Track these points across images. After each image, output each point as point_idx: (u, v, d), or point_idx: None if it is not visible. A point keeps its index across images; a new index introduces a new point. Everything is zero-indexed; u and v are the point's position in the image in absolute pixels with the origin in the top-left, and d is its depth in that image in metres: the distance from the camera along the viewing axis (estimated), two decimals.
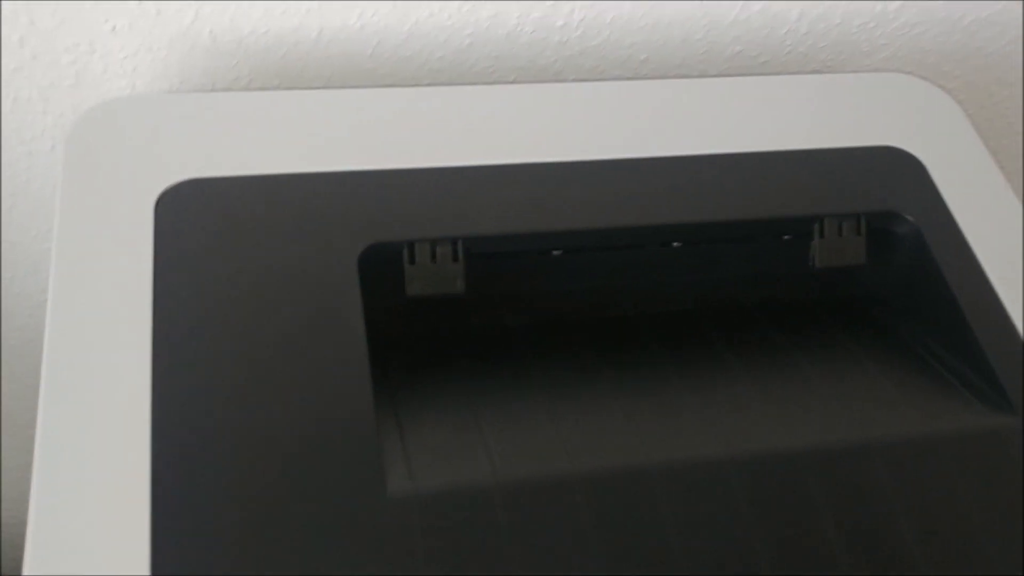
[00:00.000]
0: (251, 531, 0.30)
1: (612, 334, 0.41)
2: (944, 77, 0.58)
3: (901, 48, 0.56)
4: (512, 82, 0.51)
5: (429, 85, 0.48)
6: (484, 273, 0.39)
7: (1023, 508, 0.34)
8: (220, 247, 0.36)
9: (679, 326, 0.42)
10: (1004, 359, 0.38)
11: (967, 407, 0.38)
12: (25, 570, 0.28)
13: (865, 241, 0.42)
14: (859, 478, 0.34)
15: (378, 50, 0.48)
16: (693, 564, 0.31)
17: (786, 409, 0.37)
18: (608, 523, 0.31)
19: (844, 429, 0.35)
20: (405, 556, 0.30)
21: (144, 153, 0.38)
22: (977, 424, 0.36)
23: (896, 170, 0.44)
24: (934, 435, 0.36)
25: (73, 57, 0.44)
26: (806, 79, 0.47)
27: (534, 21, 0.48)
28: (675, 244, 0.42)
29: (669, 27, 0.51)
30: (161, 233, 0.36)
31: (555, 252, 0.41)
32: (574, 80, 0.52)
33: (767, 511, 0.32)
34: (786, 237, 0.43)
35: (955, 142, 0.46)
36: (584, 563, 0.31)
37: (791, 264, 0.43)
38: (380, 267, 0.37)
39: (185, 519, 0.29)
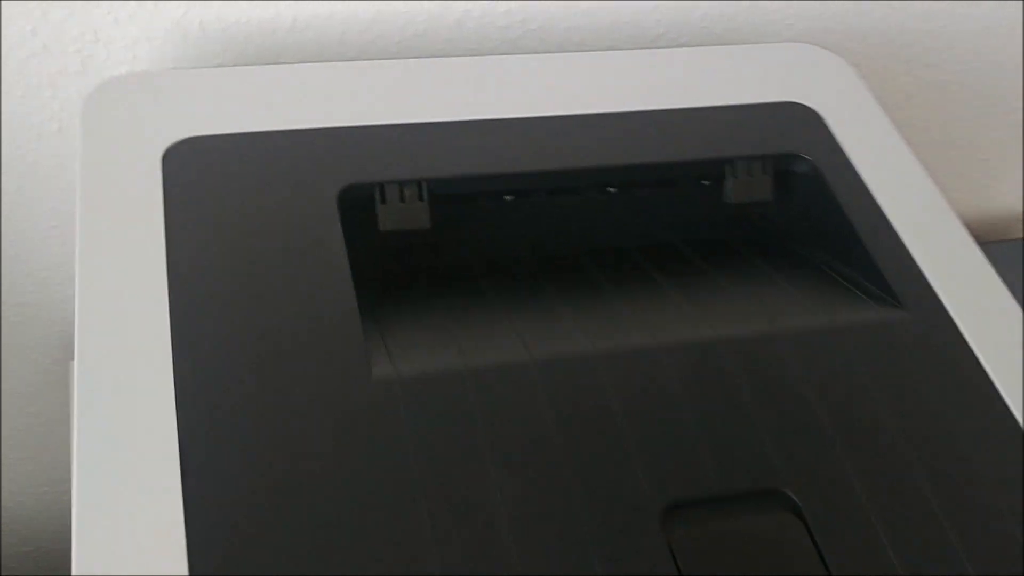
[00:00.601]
0: (257, 414, 0.35)
1: (561, 264, 0.47)
2: (846, 52, 0.66)
3: (807, 28, 0.63)
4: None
5: (392, 57, 0.55)
6: (448, 214, 0.46)
7: (914, 388, 0.41)
8: (220, 191, 0.42)
9: (617, 257, 0.48)
10: (893, 266, 0.45)
11: (863, 304, 0.44)
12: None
13: (772, 180, 0.49)
14: (770, 362, 0.40)
15: (345, 36, 0.54)
16: (633, 430, 0.37)
17: (707, 308, 0.43)
18: (559, 399, 0.38)
19: (756, 322, 0.42)
20: (389, 431, 0.36)
21: (151, 116, 0.44)
22: (872, 317, 0.43)
23: (797, 121, 0.51)
24: (836, 326, 0.42)
25: (79, 46, 0.50)
26: (720, 49, 0.55)
27: (481, 8, 0.56)
28: (611, 190, 0.49)
29: (598, 13, 0.58)
30: (169, 181, 0.42)
31: (507, 197, 0.48)
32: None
33: (695, 389, 0.39)
34: (705, 183, 0.50)
35: (849, 98, 0.53)
36: (540, 432, 0.37)
37: (710, 206, 0.50)
38: (357, 205, 0.43)
39: (209, 421, 0.35)
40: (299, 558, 0.32)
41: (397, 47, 0.56)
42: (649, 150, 0.48)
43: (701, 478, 0.36)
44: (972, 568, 0.36)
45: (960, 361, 0.42)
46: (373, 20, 0.54)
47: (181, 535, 0.32)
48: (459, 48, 0.57)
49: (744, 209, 0.49)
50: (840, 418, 0.39)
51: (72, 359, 0.65)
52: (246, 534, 0.32)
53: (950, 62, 0.70)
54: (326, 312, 0.39)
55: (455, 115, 0.47)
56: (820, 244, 0.49)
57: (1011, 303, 0.45)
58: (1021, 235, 0.89)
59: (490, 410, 0.37)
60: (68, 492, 0.78)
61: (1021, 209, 0.86)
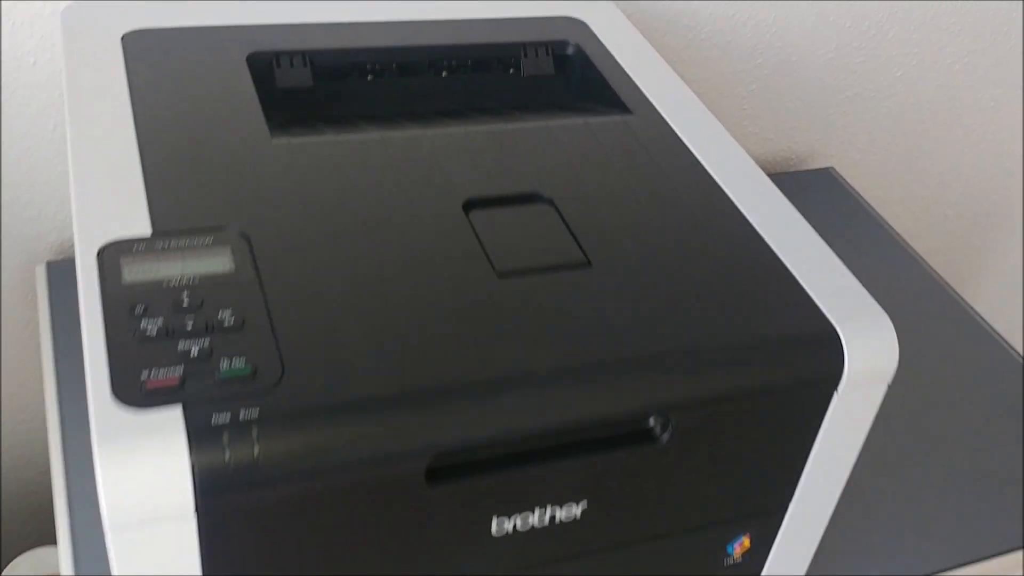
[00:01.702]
0: (204, 181, 0.54)
1: (409, 114, 0.67)
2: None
3: None
4: None
5: None
6: (328, 82, 0.66)
7: (634, 151, 0.61)
8: (165, 60, 0.61)
9: (449, 116, 0.69)
10: (628, 96, 0.67)
11: (607, 112, 0.65)
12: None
13: (552, 59, 0.71)
14: (532, 143, 0.60)
15: None
16: (442, 163, 0.56)
17: (501, 123, 0.63)
18: (404, 158, 0.57)
19: (528, 122, 0.62)
20: (286, 188, 0.54)
21: (110, 17, 0.64)
22: (610, 119, 0.64)
23: (571, 27, 0.73)
24: (585, 124, 0.63)
25: None
26: None
27: None
28: (444, 73, 0.70)
29: None
30: (128, 57, 0.61)
31: (369, 77, 0.68)
32: None
33: (489, 150, 0.58)
34: (511, 70, 0.71)
35: (609, 17, 0.76)
36: (382, 173, 0.56)
37: (510, 81, 0.71)
38: (261, 69, 0.63)
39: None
40: None
41: None
42: (465, 40, 0.69)
43: (489, 185, 0.56)
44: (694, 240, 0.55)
45: (667, 141, 0.63)
46: None
47: None
48: None
49: (534, 81, 0.71)
50: (585, 159, 0.59)
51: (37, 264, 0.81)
52: None
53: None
54: (241, 119, 0.58)
55: (331, 18, 0.68)
56: (585, 96, 0.70)
57: (704, 113, 0.67)
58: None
59: (352, 163, 0.56)
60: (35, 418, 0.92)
61: None
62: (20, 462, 0.93)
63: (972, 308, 0.93)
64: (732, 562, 0.59)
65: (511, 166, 0.58)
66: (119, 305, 0.46)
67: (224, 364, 0.44)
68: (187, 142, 0.56)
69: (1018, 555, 0.73)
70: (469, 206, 0.55)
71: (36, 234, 0.80)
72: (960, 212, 1.29)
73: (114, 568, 0.42)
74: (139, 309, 0.45)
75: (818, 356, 0.52)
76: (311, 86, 0.65)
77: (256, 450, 0.41)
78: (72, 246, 0.83)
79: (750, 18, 0.96)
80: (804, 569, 0.63)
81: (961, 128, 1.18)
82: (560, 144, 0.61)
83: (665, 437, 0.49)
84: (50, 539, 0.97)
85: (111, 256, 0.48)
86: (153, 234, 0.49)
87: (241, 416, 0.42)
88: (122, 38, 0.63)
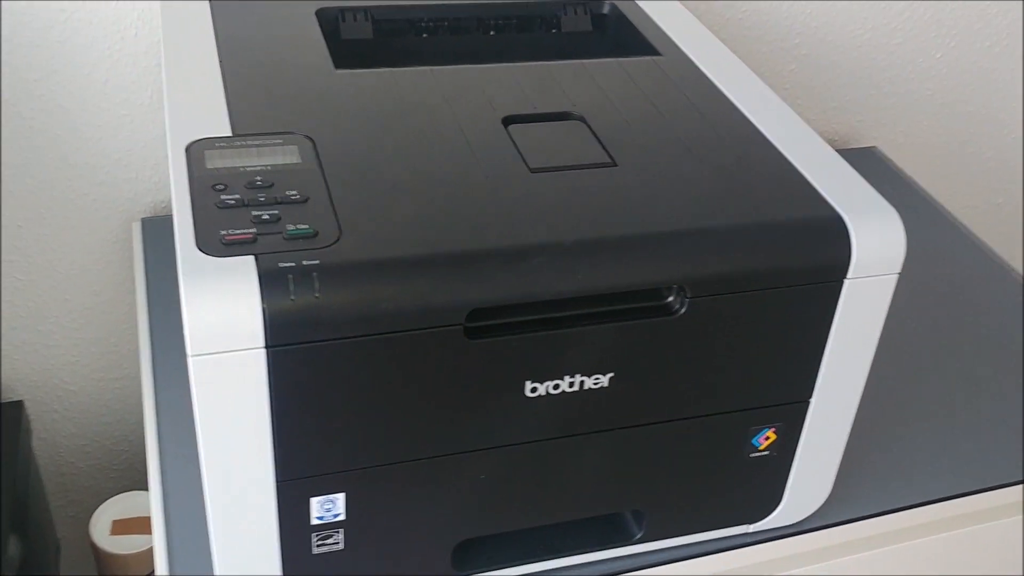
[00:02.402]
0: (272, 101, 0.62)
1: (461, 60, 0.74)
2: None
3: None
4: None
5: None
6: (387, 37, 0.74)
7: (667, 91, 0.67)
8: (246, 16, 0.70)
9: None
10: (660, 44, 0.73)
11: (638, 55, 0.71)
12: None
13: (590, 18, 0.77)
14: (568, 77, 0.67)
15: None
16: (492, 93, 0.63)
17: (544, 67, 0.70)
18: (452, 85, 0.64)
19: (565, 62, 0.69)
20: (347, 105, 0.62)
21: None
22: (643, 60, 0.70)
23: None
24: (617, 63, 0.69)
25: None
26: None
27: None
28: (491, 32, 0.77)
29: None
30: (215, 12, 0.70)
31: (424, 35, 0.76)
32: None
33: (534, 86, 0.65)
34: (552, 30, 0.78)
35: None
36: (436, 98, 0.63)
37: (553, 37, 0.78)
38: (328, 22, 0.71)
39: None
40: None
41: None
42: (509, 3, 0.77)
43: (527, 108, 0.63)
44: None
45: (692, 76, 0.69)
46: None
47: None
48: None
49: (573, 37, 0.77)
50: (615, 89, 0.65)
51: (135, 220, 0.90)
52: None
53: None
54: (310, 56, 0.66)
55: None
56: (619, 47, 0.77)
57: (730, 55, 0.72)
58: None
59: (406, 88, 0.63)
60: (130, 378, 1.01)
61: None
62: (115, 416, 1.02)
63: None
64: (759, 454, 0.63)
65: (548, 93, 0.65)
66: (203, 184, 0.53)
67: (290, 226, 0.51)
68: (263, 70, 0.64)
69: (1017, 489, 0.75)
70: (508, 121, 0.61)
71: (133, 194, 0.89)
72: (1011, 199, 1.31)
73: (194, 394, 0.49)
74: (219, 186, 0.53)
75: (826, 240, 0.56)
76: (371, 38, 0.73)
77: (317, 291, 0.48)
78: (167, 205, 0.91)
79: None
80: (835, 465, 0.66)
81: (1005, 112, 1.21)
82: (593, 78, 0.67)
83: (682, 310, 0.55)
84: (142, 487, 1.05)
85: (197, 149, 0.56)
86: (233, 134, 0.57)
87: (304, 263, 0.48)
88: (211, 2, 0.72)
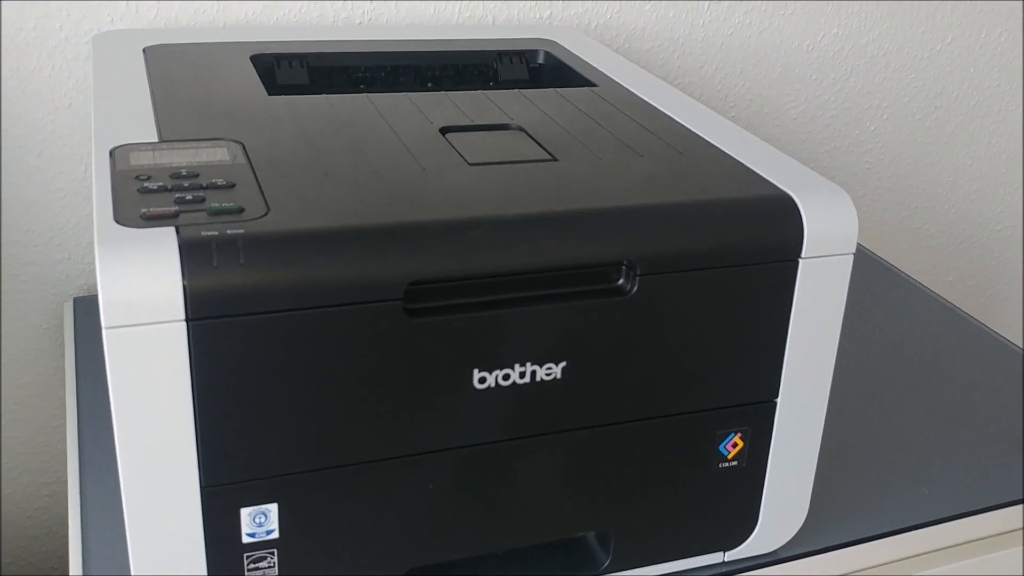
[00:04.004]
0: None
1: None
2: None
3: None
4: None
5: None
6: (323, 87, 0.73)
7: (607, 116, 0.67)
8: (180, 61, 0.70)
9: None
10: (596, 78, 0.73)
11: (575, 87, 0.72)
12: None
13: (526, 67, 0.78)
14: (506, 103, 0.67)
15: None
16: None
17: (477, 93, 0.70)
18: (387, 106, 0.63)
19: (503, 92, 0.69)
20: (279, 121, 0.61)
21: (134, 37, 0.73)
22: (579, 91, 0.70)
23: (542, 43, 0.82)
24: (554, 92, 0.69)
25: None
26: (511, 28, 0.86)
27: None
28: (428, 85, 0.78)
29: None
30: (148, 59, 0.70)
31: (360, 86, 0.76)
32: None
33: (461, 108, 0.65)
34: (490, 83, 0.79)
35: (576, 35, 0.84)
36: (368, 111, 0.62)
37: (494, 85, 0.78)
38: (263, 68, 0.71)
39: None
40: None
41: None
42: (446, 52, 0.77)
43: (465, 121, 0.62)
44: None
45: (629, 99, 0.69)
46: None
47: None
48: None
49: (511, 84, 0.78)
50: (554, 109, 0.65)
51: (66, 301, 0.86)
52: None
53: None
54: (243, 87, 0.66)
55: (328, 37, 0.77)
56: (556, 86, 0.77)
57: (667, 86, 0.73)
58: None
59: (341, 109, 0.62)
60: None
61: None
62: (44, 529, 0.94)
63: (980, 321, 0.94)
64: (727, 464, 0.59)
65: (486, 112, 0.65)
66: (125, 176, 0.51)
67: (214, 204, 0.48)
68: (195, 93, 0.63)
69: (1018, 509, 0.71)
70: (446, 130, 0.61)
71: (65, 275, 0.86)
72: (962, 277, 1.32)
73: (109, 374, 0.44)
74: (143, 177, 0.50)
75: (776, 217, 0.55)
76: (308, 84, 0.73)
77: (242, 260, 0.45)
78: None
79: (718, 70, 1.04)
80: (809, 481, 0.62)
81: (943, 188, 1.24)
82: (531, 101, 0.67)
83: (633, 290, 0.52)
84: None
85: (122, 152, 0.54)
86: (160, 140, 0.55)
87: (229, 232, 0.46)
88: (144, 50, 0.72)
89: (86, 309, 0.85)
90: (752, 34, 1.03)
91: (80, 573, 0.59)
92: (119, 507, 0.48)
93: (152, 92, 0.63)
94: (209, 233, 0.45)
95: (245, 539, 0.50)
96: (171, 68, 0.68)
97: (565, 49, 0.81)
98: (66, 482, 0.93)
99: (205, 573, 0.50)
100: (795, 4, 1.05)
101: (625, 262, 0.52)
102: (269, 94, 0.65)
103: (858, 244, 1.08)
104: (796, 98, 1.09)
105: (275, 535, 0.50)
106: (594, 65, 0.77)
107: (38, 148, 0.83)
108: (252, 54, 0.72)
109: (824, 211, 0.56)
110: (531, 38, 0.83)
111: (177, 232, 0.45)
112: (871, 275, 1.01)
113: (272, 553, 0.51)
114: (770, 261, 0.55)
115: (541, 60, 0.80)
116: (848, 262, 0.57)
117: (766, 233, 0.55)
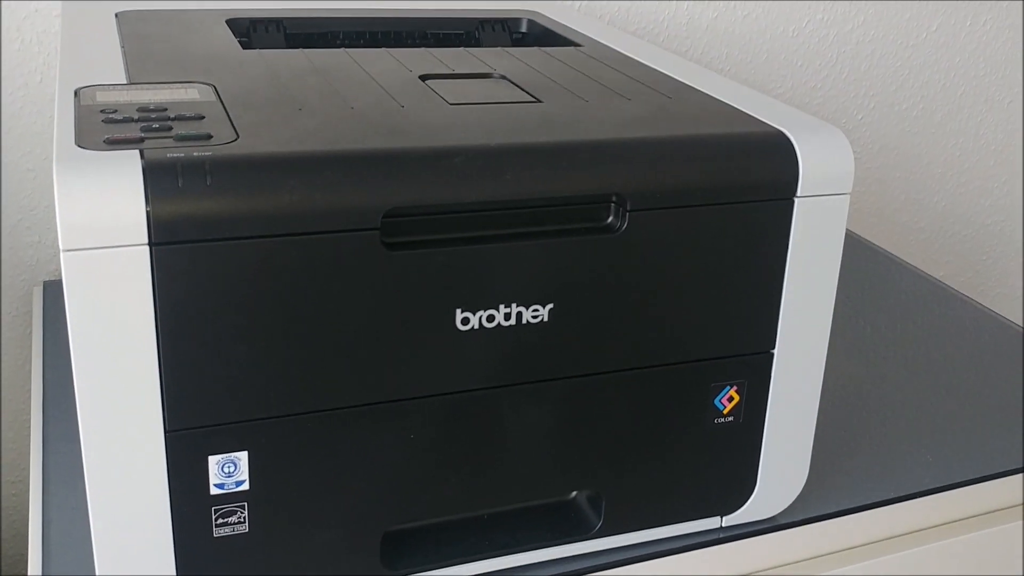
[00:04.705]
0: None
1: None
2: None
3: None
4: None
5: None
6: (298, 44, 0.71)
7: (592, 69, 0.65)
8: (154, 24, 0.68)
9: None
10: (577, 39, 0.72)
11: (560, 46, 0.70)
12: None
13: (509, 34, 0.77)
14: (490, 59, 0.65)
15: None
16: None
17: (461, 50, 0.68)
18: (366, 59, 0.61)
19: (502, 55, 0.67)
20: (254, 69, 0.59)
21: (105, 4, 0.71)
22: (563, 48, 0.68)
23: (525, 14, 0.80)
24: (539, 50, 0.68)
25: None
26: None
27: None
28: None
29: None
30: (121, 22, 0.68)
31: (340, 43, 0.74)
32: None
33: (443, 61, 0.63)
34: (473, 41, 0.77)
35: (559, 7, 0.83)
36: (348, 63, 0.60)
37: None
38: (239, 31, 0.69)
39: None
40: None
41: None
42: (427, 19, 0.76)
43: (445, 71, 0.60)
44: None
45: (613, 56, 0.68)
46: None
47: None
48: None
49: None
50: (539, 63, 0.63)
51: (36, 285, 0.83)
52: None
53: None
54: (218, 43, 0.63)
55: (307, 5, 0.75)
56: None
57: (654, 47, 0.72)
58: None
59: (317, 60, 0.60)
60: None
61: None
62: (11, 531, 0.90)
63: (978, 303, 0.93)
64: (723, 420, 0.57)
65: (468, 63, 0.63)
66: (90, 111, 0.48)
67: (181, 130, 0.46)
68: (167, 52, 0.61)
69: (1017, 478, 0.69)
70: (426, 77, 0.58)
71: (35, 261, 0.83)
72: (954, 272, 1.30)
73: (68, 304, 0.42)
74: (108, 110, 0.48)
75: (770, 153, 0.53)
76: (284, 48, 0.71)
77: (208, 182, 0.42)
78: None
79: (703, 54, 1.03)
80: (809, 440, 0.59)
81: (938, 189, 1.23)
82: (515, 56, 0.65)
83: (623, 227, 0.50)
84: None
85: (88, 92, 0.51)
86: (128, 82, 0.53)
87: (195, 154, 0.43)
88: (116, 14, 0.70)
89: (57, 293, 0.82)
90: (736, 18, 1.02)
91: (39, 574, 0.55)
92: (85, 507, 0.45)
93: (123, 47, 0.61)
94: (175, 155, 0.43)
95: (213, 490, 0.47)
96: (144, 28, 0.66)
97: (549, 19, 0.80)
98: None
99: (169, 528, 0.47)
100: None
101: (614, 197, 0.50)
102: (243, 48, 0.63)
103: (852, 232, 1.07)
104: (782, 84, 1.08)
105: (245, 486, 0.47)
106: (580, 31, 0.76)
107: (6, 125, 0.80)
108: (228, 18, 0.70)
109: (819, 149, 0.53)
110: (513, 8, 0.82)
111: (141, 155, 0.43)
112: (869, 262, 0.99)
113: (242, 507, 0.48)
114: (764, 199, 0.53)
115: (524, 29, 0.78)
116: (845, 203, 0.55)
117: (760, 170, 0.53)
